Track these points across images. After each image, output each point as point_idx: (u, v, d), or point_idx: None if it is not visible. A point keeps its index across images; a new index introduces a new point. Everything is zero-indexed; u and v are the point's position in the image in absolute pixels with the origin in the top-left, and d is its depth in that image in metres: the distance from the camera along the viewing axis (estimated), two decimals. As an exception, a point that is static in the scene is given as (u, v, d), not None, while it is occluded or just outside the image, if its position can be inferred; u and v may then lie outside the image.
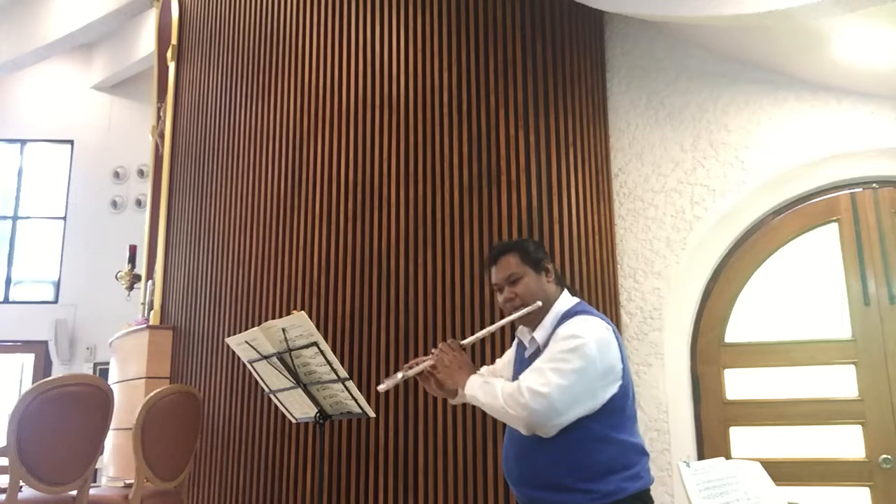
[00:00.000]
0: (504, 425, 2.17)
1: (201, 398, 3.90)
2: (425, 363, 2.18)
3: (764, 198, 3.83)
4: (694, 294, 3.90)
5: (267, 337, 2.46)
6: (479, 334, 2.29)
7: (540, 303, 2.15)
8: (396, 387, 3.57)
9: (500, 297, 2.23)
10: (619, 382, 2.02)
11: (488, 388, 2.06)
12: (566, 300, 2.21)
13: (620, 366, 2.04)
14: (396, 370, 2.23)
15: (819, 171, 3.75)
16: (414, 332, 3.65)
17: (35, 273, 7.99)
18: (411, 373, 2.16)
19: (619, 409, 2.03)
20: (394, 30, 4.03)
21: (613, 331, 2.09)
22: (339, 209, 3.91)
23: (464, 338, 2.26)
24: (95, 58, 8.20)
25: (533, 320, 2.18)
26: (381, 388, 2.14)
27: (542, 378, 1.97)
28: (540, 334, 2.15)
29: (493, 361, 3.47)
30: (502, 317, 2.23)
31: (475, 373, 2.17)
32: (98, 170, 7.95)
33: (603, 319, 2.11)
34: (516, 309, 2.17)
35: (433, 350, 2.23)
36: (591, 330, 2.03)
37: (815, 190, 3.79)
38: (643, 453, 2.08)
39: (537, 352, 2.13)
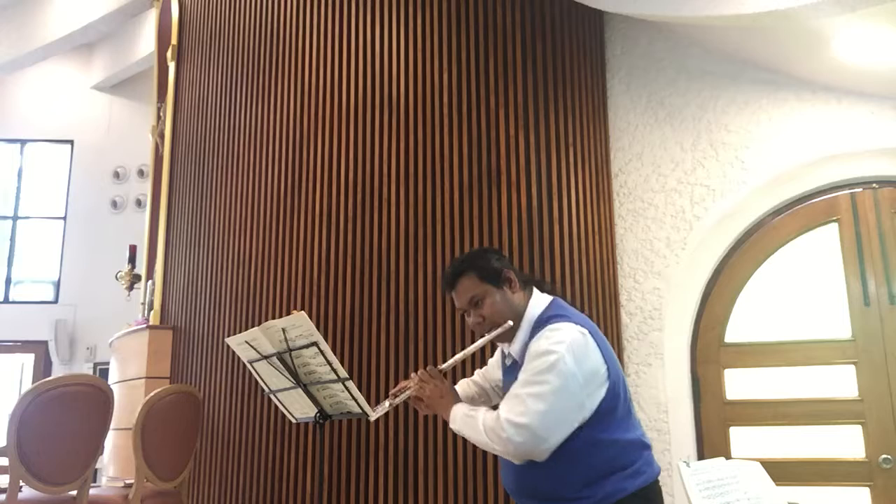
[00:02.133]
0: None
1: (201, 398, 3.90)
2: (408, 392, 2.13)
3: (764, 198, 3.83)
4: (694, 294, 3.89)
5: (267, 337, 2.46)
6: (457, 358, 2.19)
7: (510, 322, 2.04)
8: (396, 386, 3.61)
9: (468, 320, 2.12)
10: (606, 385, 1.92)
11: (472, 423, 1.98)
12: (537, 304, 2.08)
13: (604, 367, 1.93)
14: (386, 398, 2.22)
15: (819, 171, 3.75)
16: (414, 332, 3.65)
17: (35, 273, 7.98)
18: (397, 401, 2.14)
19: (610, 410, 1.93)
20: (394, 30, 4.03)
21: (591, 331, 1.97)
22: (339, 209, 3.91)
23: (444, 360, 2.25)
24: (95, 58, 8.20)
25: (508, 336, 2.08)
26: (373, 416, 2.17)
27: (520, 407, 1.87)
28: (515, 348, 2.07)
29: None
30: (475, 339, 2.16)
31: (457, 401, 2.09)
32: (98, 170, 7.95)
33: (574, 321, 1.97)
34: (488, 331, 2.08)
35: (412, 374, 2.18)
36: (563, 340, 1.90)
37: (815, 190, 3.79)
38: (643, 447, 1.98)
39: (515, 365, 2.07)
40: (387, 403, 2.13)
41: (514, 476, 2.02)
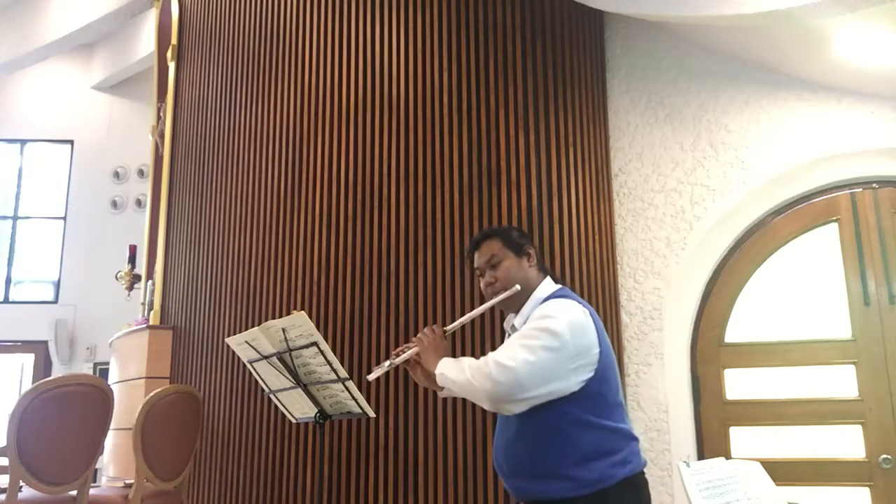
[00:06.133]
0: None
1: (201, 398, 3.90)
2: (412, 350, 2.17)
3: (764, 198, 3.83)
4: (694, 294, 3.89)
5: (267, 337, 2.46)
6: (462, 320, 2.27)
7: (518, 287, 2.13)
8: (397, 387, 3.61)
9: (482, 283, 2.23)
10: (595, 367, 1.97)
11: (456, 364, 2.04)
12: (547, 286, 2.18)
13: (596, 350, 1.98)
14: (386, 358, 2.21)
15: (819, 171, 3.75)
16: (414, 331, 3.64)
17: (35, 273, 7.98)
18: (398, 360, 2.16)
19: (598, 394, 1.97)
20: (394, 30, 4.04)
21: (593, 316, 2.05)
22: (339, 209, 3.91)
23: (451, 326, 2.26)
24: (95, 58, 8.20)
25: (514, 305, 2.17)
26: (371, 376, 2.19)
27: (509, 352, 1.95)
28: (519, 320, 2.14)
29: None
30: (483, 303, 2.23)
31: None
32: (98, 170, 7.95)
33: (582, 304, 2.07)
34: (496, 293, 2.17)
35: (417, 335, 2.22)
36: (565, 311, 2.00)
37: (815, 190, 3.79)
38: (630, 438, 2.02)
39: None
40: (387, 363, 2.16)
41: (506, 454, 2.06)
